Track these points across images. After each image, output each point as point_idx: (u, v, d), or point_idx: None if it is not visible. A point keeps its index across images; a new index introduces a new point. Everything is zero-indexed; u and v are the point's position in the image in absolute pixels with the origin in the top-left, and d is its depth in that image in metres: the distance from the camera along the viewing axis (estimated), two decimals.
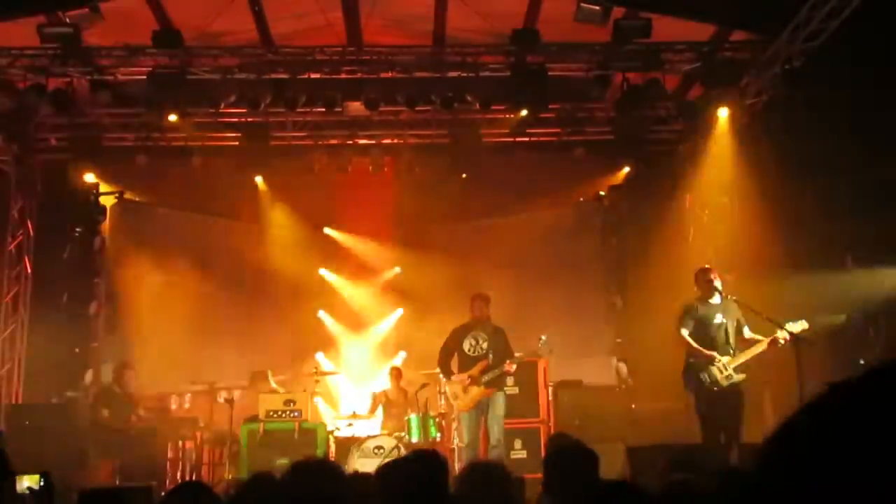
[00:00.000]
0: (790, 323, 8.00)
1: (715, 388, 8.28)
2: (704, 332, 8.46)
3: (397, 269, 13.74)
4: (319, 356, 12.88)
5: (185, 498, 3.66)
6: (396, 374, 11.42)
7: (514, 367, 9.23)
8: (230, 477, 10.02)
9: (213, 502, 3.63)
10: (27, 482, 3.83)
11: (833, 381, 1.06)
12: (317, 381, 11.20)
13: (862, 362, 9.78)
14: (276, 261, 13.13)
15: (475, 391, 9.13)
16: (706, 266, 9.09)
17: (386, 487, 3.52)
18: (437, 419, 10.31)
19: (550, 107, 12.21)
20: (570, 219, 13.44)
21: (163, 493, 9.20)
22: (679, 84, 11.99)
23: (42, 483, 3.85)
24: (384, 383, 11.73)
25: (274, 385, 11.07)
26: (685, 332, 8.48)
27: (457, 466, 9.59)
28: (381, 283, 13.90)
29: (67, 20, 10.03)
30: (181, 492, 4.07)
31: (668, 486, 3.18)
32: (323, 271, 13.75)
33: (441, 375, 9.73)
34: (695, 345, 8.39)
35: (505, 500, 3.82)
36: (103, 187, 12.77)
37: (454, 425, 9.90)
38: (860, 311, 10.18)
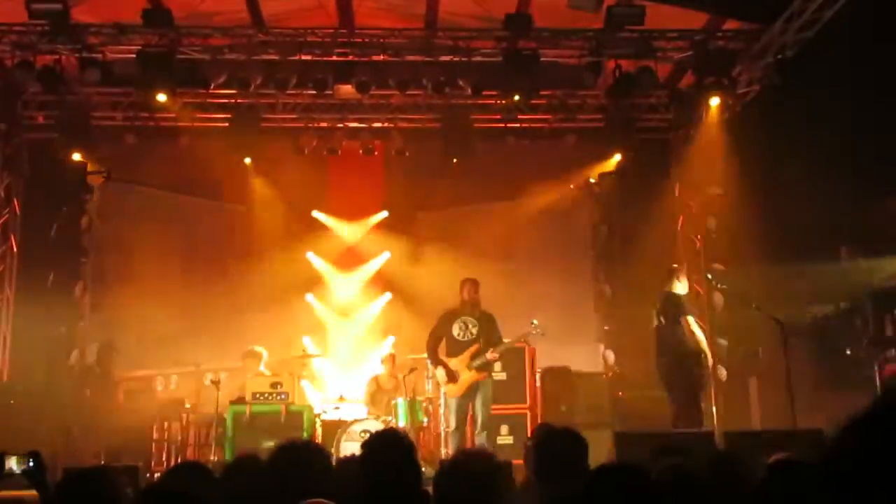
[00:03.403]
0: None
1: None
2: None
3: (386, 254, 13.68)
4: (306, 340, 12.83)
5: (184, 477, 3.64)
6: (390, 359, 11.46)
7: (497, 355, 9.29)
8: (215, 459, 10.00)
9: (211, 482, 3.62)
10: (14, 461, 3.80)
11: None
12: (304, 365, 11.17)
13: (848, 353, 9.86)
14: (264, 243, 13.05)
15: (466, 376, 9.16)
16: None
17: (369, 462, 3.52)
18: (425, 404, 10.32)
19: (542, 93, 12.18)
20: (560, 206, 13.40)
21: (148, 475, 9.23)
22: (671, 72, 11.98)
23: (32, 463, 3.81)
24: (375, 368, 11.72)
25: (262, 367, 11.04)
26: (692, 320, 8.67)
27: (443, 451, 9.64)
28: (370, 267, 13.84)
29: None
30: (180, 471, 4.06)
31: (659, 470, 3.19)
32: (310, 255, 13.67)
33: (430, 361, 9.73)
34: (700, 334, 8.55)
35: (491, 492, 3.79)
36: (91, 166, 12.67)
37: (441, 410, 9.91)
38: (848, 302, 10.24)
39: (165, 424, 10.58)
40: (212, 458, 10.08)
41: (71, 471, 3.53)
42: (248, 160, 13.05)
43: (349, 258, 13.84)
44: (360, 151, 12.92)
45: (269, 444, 8.85)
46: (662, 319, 8.93)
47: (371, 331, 13.48)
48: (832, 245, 10.39)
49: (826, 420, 6.81)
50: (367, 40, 11.19)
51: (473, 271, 9.98)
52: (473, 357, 9.17)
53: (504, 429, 10.42)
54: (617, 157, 13.02)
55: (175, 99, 11.79)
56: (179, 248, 12.88)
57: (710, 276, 8.71)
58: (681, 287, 9.15)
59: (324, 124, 12.86)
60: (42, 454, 3.91)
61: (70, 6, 9.96)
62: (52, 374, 11.26)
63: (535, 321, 9.45)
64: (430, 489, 3.50)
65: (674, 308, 9.02)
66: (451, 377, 9.17)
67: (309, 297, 13.49)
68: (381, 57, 11.21)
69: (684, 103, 12.02)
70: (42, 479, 3.84)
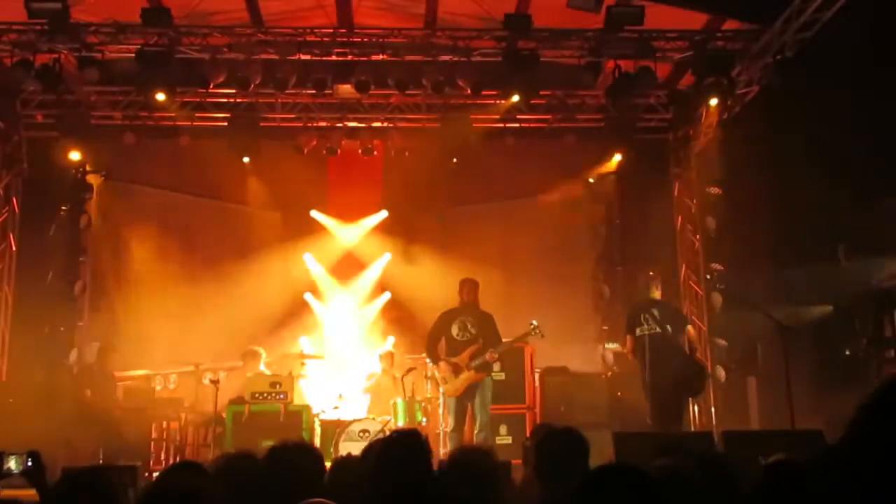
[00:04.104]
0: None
1: None
2: None
3: (387, 256, 13.67)
4: (304, 340, 12.83)
5: (180, 477, 3.64)
6: (389, 358, 11.46)
7: (496, 355, 9.29)
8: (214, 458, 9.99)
9: (207, 481, 3.61)
10: (13, 461, 3.79)
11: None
12: (302, 364, 11.17)
13: (848, 353, 9.86)
14: (263, 242, 13.07)
15: (465, 376, 9.15)
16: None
17: (376, 466, 3.51)
18: (423, 404, 10.31)
19: (542, 93, 12.17)
20: (559, 206, 13.40)
21: (146, 474, 9.22)
22: (670, 72, 11.97)
23: (31, 463, 3.81)
24: (373, 367, 11.71)
25: (261, 367, 11.04)
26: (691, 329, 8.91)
27: (442, 451, 9.63)
28: (369, 266, 13.83)
29: None
30: (176, 471, 4.05)
31: (659, 470, 3.19)
32: (308, 259, 13.66)
33: (429, 360, 9.73)
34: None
35: (490, 488, 3.80)
36: (90, 165, 12.66)
37: (440, 410, 9.91)
38: (848, 302, 10.24)
39: (164, 424, 10.57)
40: (210, 457, 10.08)
41: (69, 471, 3.53)
42: (246, 160, 13.03)
43: (348, 260, 13.83)
44: (360, 151, 12.91)
45: (268, 443, 8.81)
46: (669, 328, 8.98)
47: (370, 330, 13.48)
48: (832, 245, 10.38)
49: (825, 421, 6.81)
50: (366, 40, 11.16)
51: (472, 271, 9.98)
52: (472, 357, 9.16)
53: (503, 429, 10.42)
54: (617, 158, 13.01)
55: (174, 98, 11.79)
56: (178, 247, 12.86)
57: (709, 276, 8.73)
58: (658, 294, 9.31)
59: (323, 124, 12.85)
60: (41, 454, 3.90)
61: (69, 5, 9.94)
62: (50, 373, 11.25)
63: (534, 321, 9.45)
64: None
65: (678, 316, 9.14)
66: (455, 369, 9.17)
67: (307, 296, 13.49)
68: (381, 57, 11.19)
69: (684, 103, 12.01)
70: (41, 479, 3.84)
